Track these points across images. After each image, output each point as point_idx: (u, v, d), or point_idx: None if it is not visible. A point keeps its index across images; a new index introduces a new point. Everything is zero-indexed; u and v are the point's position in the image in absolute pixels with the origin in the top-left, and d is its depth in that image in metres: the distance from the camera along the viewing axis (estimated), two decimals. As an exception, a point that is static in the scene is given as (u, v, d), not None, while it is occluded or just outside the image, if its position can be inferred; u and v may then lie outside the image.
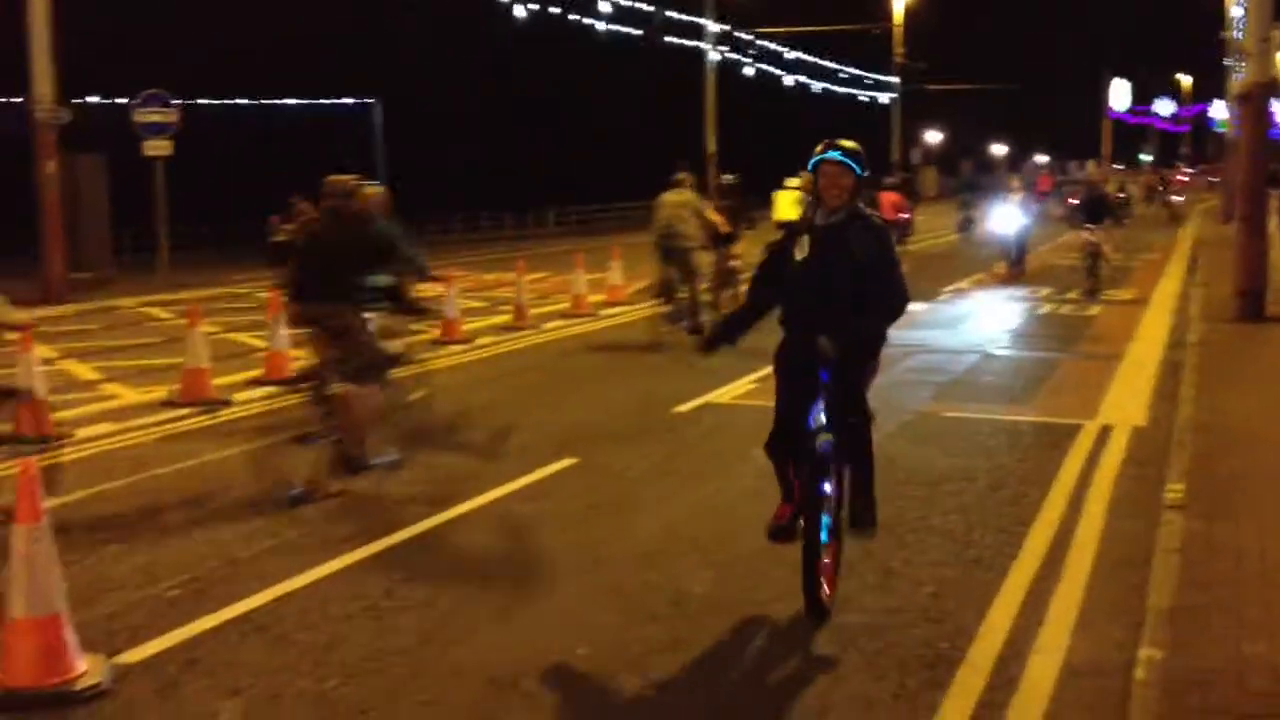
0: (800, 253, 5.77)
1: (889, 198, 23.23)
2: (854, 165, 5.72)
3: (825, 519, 5.67)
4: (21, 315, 8.24)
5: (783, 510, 5.90)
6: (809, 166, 5.77)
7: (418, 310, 8.88)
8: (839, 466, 5.84)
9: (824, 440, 5.70)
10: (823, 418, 5.76)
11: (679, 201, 14.87)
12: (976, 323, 16.73)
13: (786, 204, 20.47)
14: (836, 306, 5.66)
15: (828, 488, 5.74)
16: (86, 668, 4.99)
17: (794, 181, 20.22)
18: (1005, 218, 23.17)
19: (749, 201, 17.06)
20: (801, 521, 5.66)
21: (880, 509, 7.39)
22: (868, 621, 5.63)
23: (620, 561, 6.58)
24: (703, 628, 5.58)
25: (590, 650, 5.36)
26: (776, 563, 6.30)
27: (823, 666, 5.13)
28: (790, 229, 6.01)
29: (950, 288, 20.83)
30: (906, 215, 23.67)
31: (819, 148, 5.76)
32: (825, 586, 5.65)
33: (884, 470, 8.37)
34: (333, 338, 8.16)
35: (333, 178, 8.48)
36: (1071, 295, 18.76)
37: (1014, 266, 22.65)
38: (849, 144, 5.77)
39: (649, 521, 7.34)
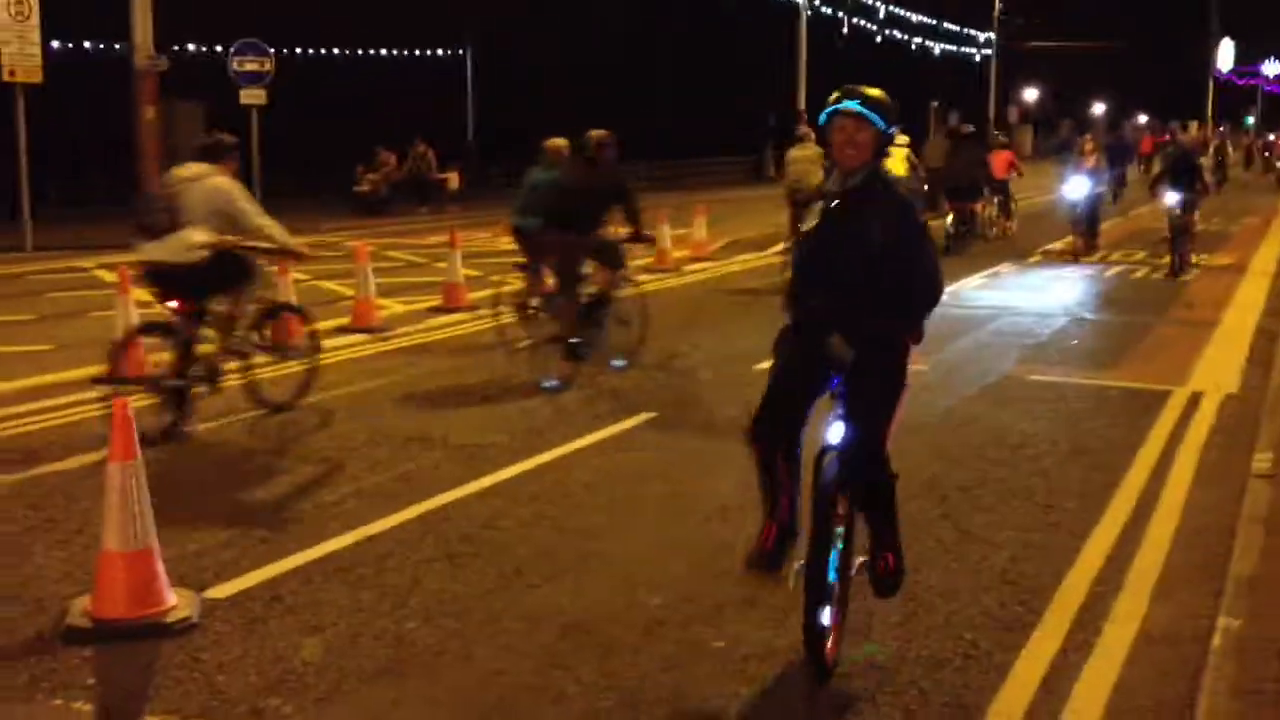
0: (811, 222, 4.75)
1: (1003, 156, 22.89)
2: (875, 117, 4.59)
3: (832, 556, 4.66)
4: (300, 243, 9.14)
5: (767, 530, 4.79)
6: (820, 119, 4.71)
7: (647, 239, 11.06)
8: (847, 491, 4.73)
9: (831, 461, 4.70)
10: (832, 434, 4.74)
11: (806, 156, 16.50)
12: (1066, 286, 16.45)
13: (896, 161, 20.93)
14: (848, 292, 4.59)
15: (837, 523, 4.69)
16: (176, 602, 5.16)
17: (901, 139, 20.79)
18: (1075, 184, 20.21)
19: None
20: (801, 559, 4.64)
21: (963, 471, 7.43)
22: (942, 582, 5.62)
23: (694, 516, 6.63)
24: (773, 584, 5.60)
25: (663, 602, 5.43)
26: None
27: (894, 626, 5.14)
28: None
29: (1041, 250, 20.50)
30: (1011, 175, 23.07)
31: (833, 96, 4.67)
32: (831, 639, 4.67)
33: (966, 433, 8.38)
34: (592, 258, 10.45)
35: (591, 131, 10.45)
36: (1165, 260, 18.30)
37: (1086, 239, 19.96)
38: (871, 91, 4.65)
39: (723, 479, 7.37)
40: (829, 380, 4.72)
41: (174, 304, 8.31)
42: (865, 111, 4.59)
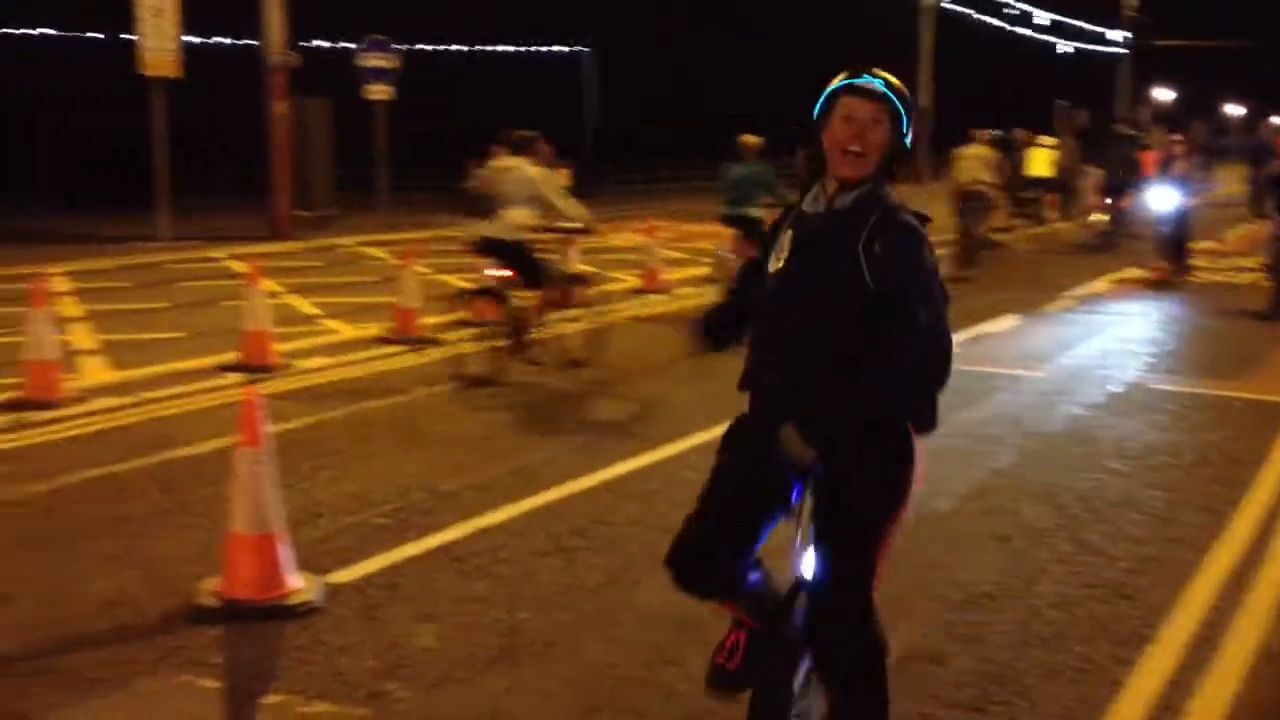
0: (776, 261, 3.43)
1: (1154, 156, 22.54)
2: (901, 110, 3.34)
3: None
4: (593, 220, 10.82)
5: (733, 638, 3.70)
6: (817, 106, 3.40)
7: None
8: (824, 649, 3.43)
9: (801, 606, 3.46)
10: (803, 566, 3.45)
11: (976, 155, 18.04)
12: (1195, 292, 16.04)
13: (1041, 160, 21.32)
14: (824, 361, 3.31)
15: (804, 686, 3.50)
16: (300, 585, 5.33)
17: (1048, 140, 21.53)
18: (1160, 195, 17.49)
19: (1010, 158, 20.32)
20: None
21: (1081, 481, 7.32)
22: (1057, 593, 5.56)
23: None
24: (888, 584, 5.58)
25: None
26: (972, 528, 6.28)
27: (1007, 634, 5.10)
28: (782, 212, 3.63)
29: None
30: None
31: (842, 74, 3.39)
32: None
33: (1086, 441, 8.25)
34: None
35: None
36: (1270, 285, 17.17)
37: (1174, 263, 16.86)
38: (893, 79, 3.39)
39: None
40: (792, 493, 3.46)
41: (499, 272, 10.04)
42: (892, 97, 3.33)
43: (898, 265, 3.26)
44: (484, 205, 9.94)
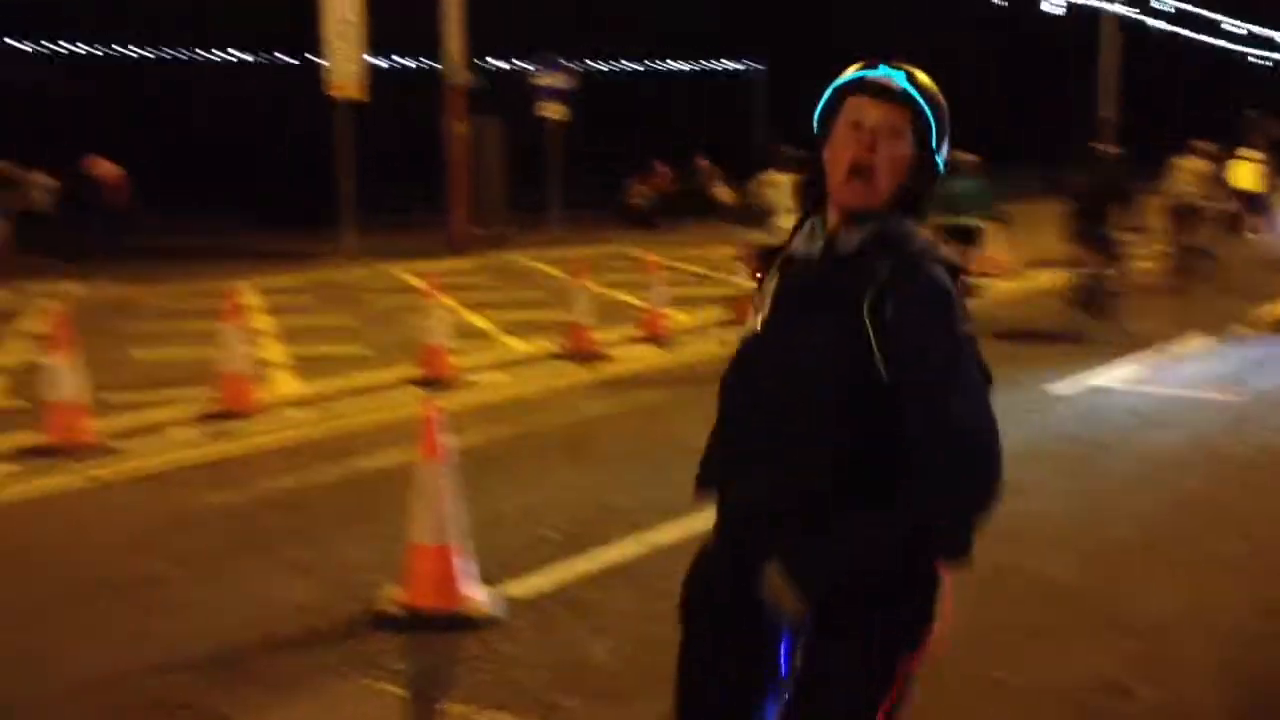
0: (754, 313, 2.61)
1: None
2: (929, 115, 2.45)
3: None
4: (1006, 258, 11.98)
5: None
6: (819, 109, 2.52)
7: (1138, 230, 14.17)
8: None
9: None
10: None
11: (1191, 166, 18.20)
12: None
13: (1244, 173, 20.66)
14: (814, 464, 2.43)
15: None
16: (478, 596, 5.47)
17: (1253, 153, 20.88)
18: None
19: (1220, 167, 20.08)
20: None
21: (1272, 509, 7.01)
22: (1247, 625, 5.35)
23: (980, 542, 6.50)
24: (1064, 615, 5.47)
25: (948, 632, 5.36)
26: (1157, 556, 6.10)
27: (1192, 667, 4.94)
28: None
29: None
30: None
31: (853, 67, 2.51)
32: None
33: (1278, 470, 7.91)
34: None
35: (1100, 145, 14.48)
36: None
37: None
38: (922, 75, 2.49)
39: (1012, 503, 7.16)
40: (777, 652, 2.60)
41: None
42: (918, 98, 2.44)
43: (917, 338, 2.36)
44: (755, 216, 11.34)
